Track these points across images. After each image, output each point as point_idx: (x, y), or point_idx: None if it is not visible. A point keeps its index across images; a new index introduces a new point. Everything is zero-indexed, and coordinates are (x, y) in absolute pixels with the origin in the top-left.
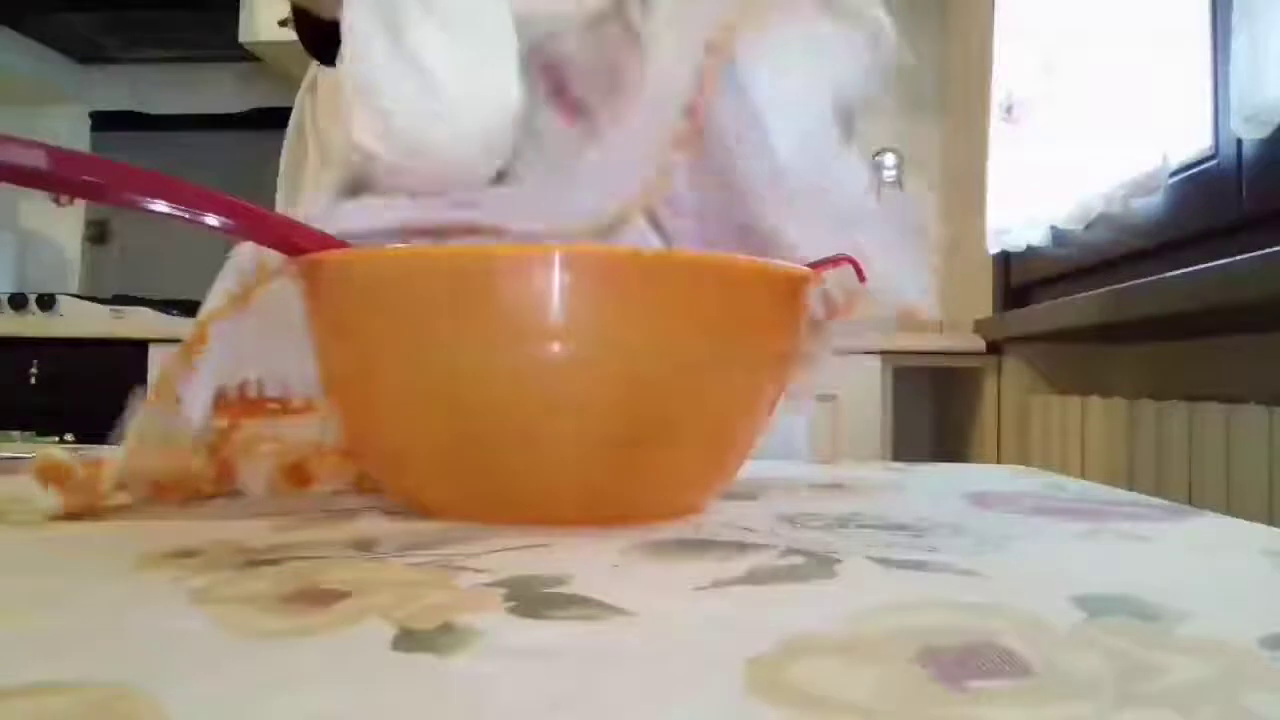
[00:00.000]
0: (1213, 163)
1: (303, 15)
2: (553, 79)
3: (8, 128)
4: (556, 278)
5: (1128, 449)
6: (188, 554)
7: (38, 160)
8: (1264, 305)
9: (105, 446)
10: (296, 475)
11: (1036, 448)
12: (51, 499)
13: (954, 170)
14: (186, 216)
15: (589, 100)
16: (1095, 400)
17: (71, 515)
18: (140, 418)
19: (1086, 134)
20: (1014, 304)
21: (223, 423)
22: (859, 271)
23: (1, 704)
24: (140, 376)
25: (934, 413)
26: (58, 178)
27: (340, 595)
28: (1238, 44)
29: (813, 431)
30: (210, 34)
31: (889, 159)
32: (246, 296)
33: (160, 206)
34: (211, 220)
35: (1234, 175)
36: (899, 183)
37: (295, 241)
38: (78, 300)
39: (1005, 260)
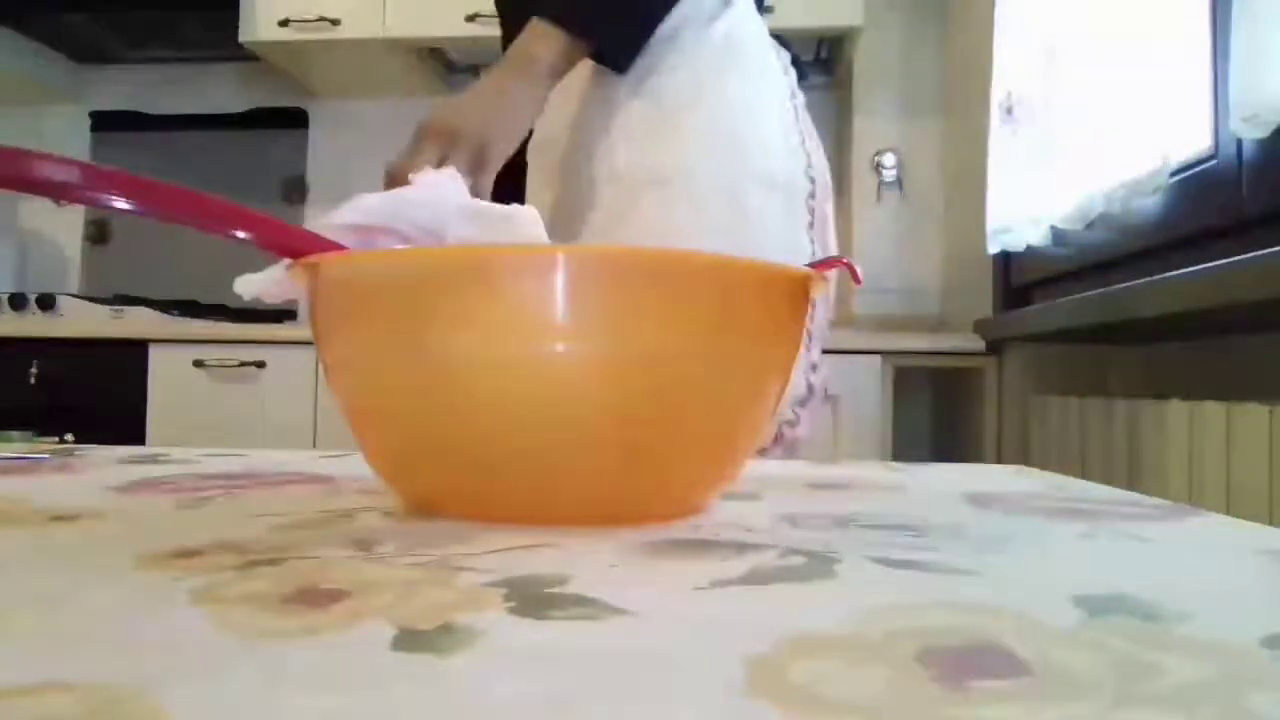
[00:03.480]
0: (1213, 163)
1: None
2: None
3: (8, 128)
4: (557, 278)
5: (1128, 449)
6: (188, 554)
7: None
8: (1264, 305)
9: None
10: None
11: (1036, 448)
12: None
13: (954, 170)
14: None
15: None
16: (1095, 400)
17: None
18: None
19: (1086, 134)
20: (1014, 304)
21: None
22: (854, 274)
23: (1, 704)
24: (140, 376)
25: (934, 413)
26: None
27: (340, 595)
28: (1237, 44)
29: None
30: (210, 34)
31: (889, 159)
32: None
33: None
34: (210, 225)
35: (1234, 175)
36: (899, 182)
37: (295, 245)
38: (78, 300)
39: (1005, 260)
